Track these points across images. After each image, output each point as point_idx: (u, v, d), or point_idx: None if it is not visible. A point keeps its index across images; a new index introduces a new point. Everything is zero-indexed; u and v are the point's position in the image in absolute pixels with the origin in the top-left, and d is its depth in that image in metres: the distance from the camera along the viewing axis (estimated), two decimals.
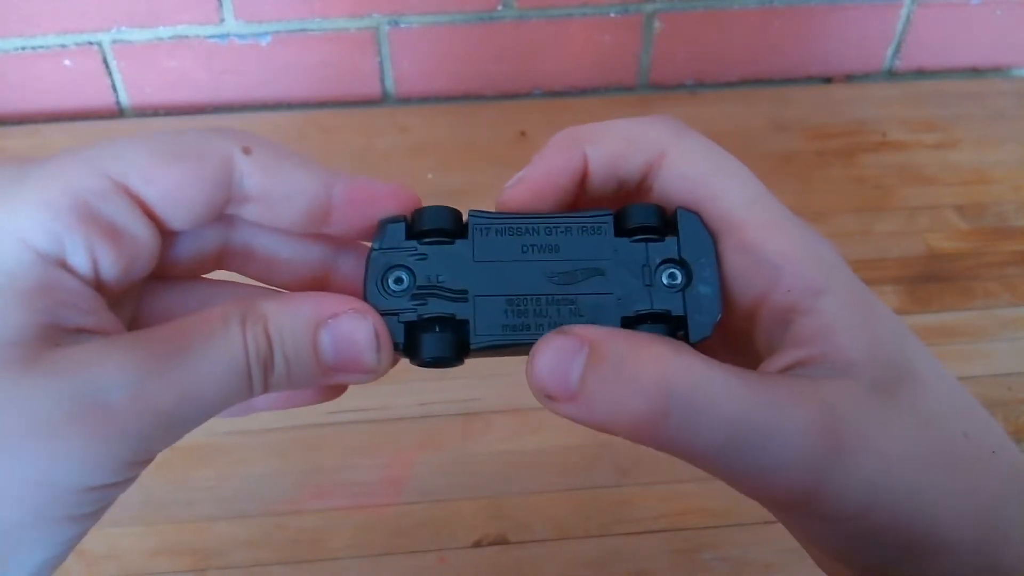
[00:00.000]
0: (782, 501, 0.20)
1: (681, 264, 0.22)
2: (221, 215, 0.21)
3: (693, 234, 0.22)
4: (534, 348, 0.20)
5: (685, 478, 0.44)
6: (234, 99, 0.71)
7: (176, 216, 0.20)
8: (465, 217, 0.23)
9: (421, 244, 0.22)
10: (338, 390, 0.23)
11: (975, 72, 0.75)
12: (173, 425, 0.18)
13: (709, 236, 0.22)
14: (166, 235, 0.21)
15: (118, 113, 0.71)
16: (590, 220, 0.22)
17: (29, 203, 0.18)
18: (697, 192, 0.22)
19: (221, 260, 0.23)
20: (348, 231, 0.22)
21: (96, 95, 0.70)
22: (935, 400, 0.20)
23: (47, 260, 0.18)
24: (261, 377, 0.19)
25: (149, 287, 0.23)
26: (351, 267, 0.24)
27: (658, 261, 0.22)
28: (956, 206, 0.61)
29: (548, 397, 0.20)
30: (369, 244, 0.22)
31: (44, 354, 0.17)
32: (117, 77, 0.69)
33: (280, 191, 0.21)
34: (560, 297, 0.22)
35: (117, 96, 0.70)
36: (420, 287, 0.22)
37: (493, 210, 0.23)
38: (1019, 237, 0.59)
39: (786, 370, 0.20)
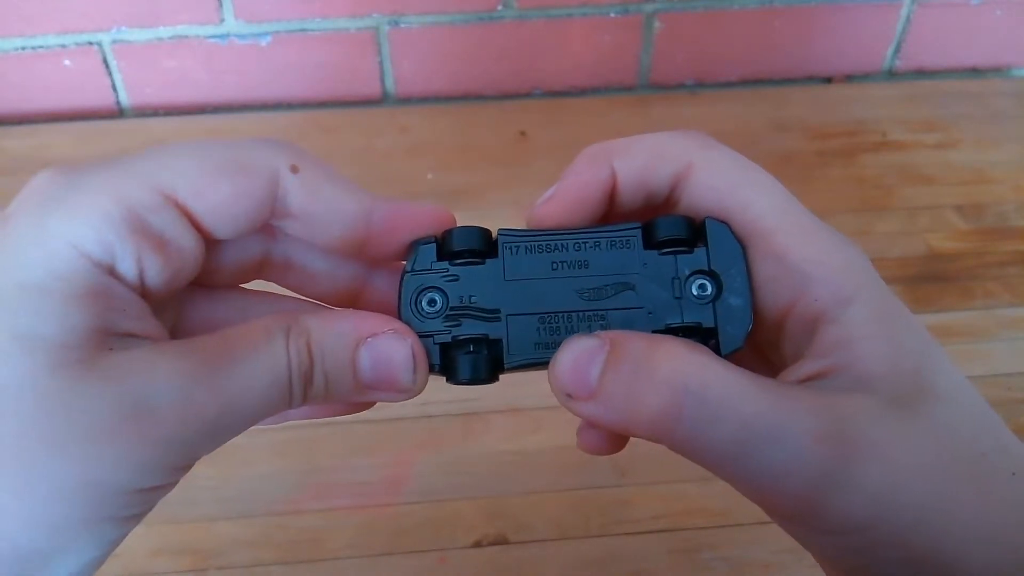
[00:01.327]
0: (788, 510, 0.20)
1: (711, 275, 0.22)
2: (264, 227, 0.22)
3: (722, 244, 0.22)
4: (558, 350, 0.21)
5: (685, 478, 0.44)
6: (234, 99, 0.71)
7: (221, 228, 0.21)
8: (495, 235, 0.23)
9: (452, 265, 0.22)
10: (367, 404, 0.24)
11: (975, 72, 0.75)
12: (216, 432, 0.19)
13: (739, 245, 0.22)
14: (210, 245, 0.22)
15: (118, 113, 0.71)
16: (618, 234, 0.22)
17: (83, 212, 0.19)
18: (725, 202, 0.22)
19: (261, 270, 0.24)
20: (386, 255, 0.23)
21: (96, 95, 0.70)
22: (954, 417, 0.20)
23: (99, 267, 0.19)
24: (301, 390, 0.20)
25: (190, 295, 0.23)
26: (385, 284, 0.24)
27: (687, 273, 0.22)
28: (956, 206, 0.61)
29: (568, 396, 0.20)
30: (404, 263, 0.23)
31: (98, 357, 0.18)
32: (117, 77, 0.69)
33: (322, 212, 0.21)
34: (591, 313, 0.22)
35: (117, 96, 0.70)
36: (453, 308, 0.22)
37: (522, 228, 0.23)
38: (1019, 237, 0.59)
39: (806, 380, 0.20)
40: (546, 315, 0.22)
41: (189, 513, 0.43)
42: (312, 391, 0.20)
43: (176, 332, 0.23)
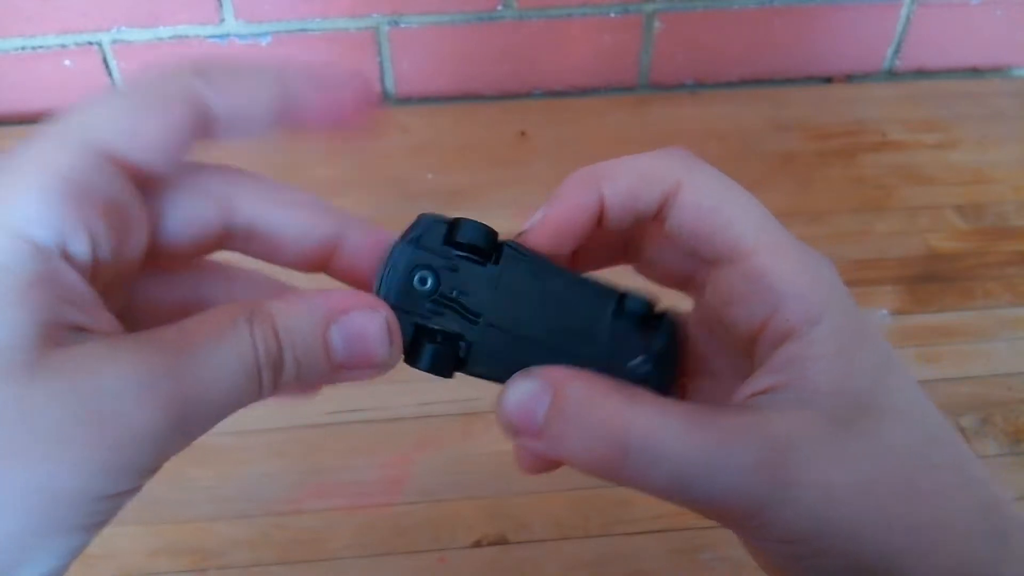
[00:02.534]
0: (734, 525, 0.21)
1: (652, 360, 0.24)
2: (221, 206, 0.22)
3: (667, 341, 0.24)
4: (504, 386, 0.22)
5: None
6: None
7: (157, 165, 0.20)
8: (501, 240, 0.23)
9: (456, 254, 0.22)
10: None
11: (975, 72, 0.75)
12: (185, 430, 0.18)
13: (677, 349, 0.24)
14: (160, 211, 0.21)
15: None
16: (601, 293, 0.24)
17: (19, 193, 0.18)
18: (709, 221, 0.22)
19: (223, 241, 0.23)
20: (318, 118, 0.22)
21: None
22: (901, 432, 0.20)
23: (45, 252, 0.18)
24: (271, 378, 0.19)
25: (141, 279, 0.22)
26: (357, 242, 0.23)
27: (638, 351, 0.24)
28: (956, 206, 0.61)
29: (515, 432, 0.21)
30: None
31: (47, 355, 0.17)
32: (117, 77, 0.69)
33: (241, 103, 0.21)
34: (557, 350, 0.23)
35: None
36: (442, 295, 0.22)
37: (527, 248, 0.23)
38: (1019, 237, 0.59)
39: (759, 393, 0.21)
40: (519, 337, 0.23)
41: (188, 513, 0.43)
42: (283, 377, 0.19)
43: (127, 320, 0.21)
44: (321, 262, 0.23)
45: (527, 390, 0.21)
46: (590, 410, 0.20)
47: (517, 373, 0.22)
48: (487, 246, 0.23)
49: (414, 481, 0.44)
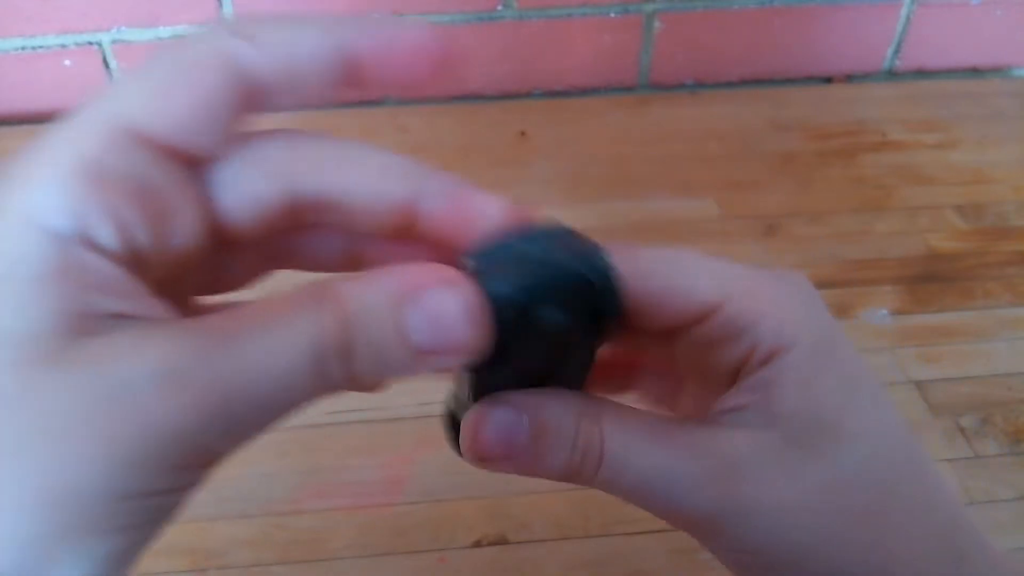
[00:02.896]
0: (693, 532, 0.22)
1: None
2: (280, 178, 0.19)
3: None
4: (472, 420, 0.21)
5: None
6: None
7: (195, 142, 0.18)
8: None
9: (571, 324, 0.20)
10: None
11: (975, 72, 0.75)
12: (229, 423, 0.16)
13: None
14: (210, 191, 0.19)
15: None
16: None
17: (37, 179, 0.16)
18: (666, 285, 0.21)
19: (296, 215, 0.20)
20: (373, 70, 0.19)
21: None
22: (860, 456, 0.21)
23: (66, 240, 0.16)
24: (341, 367, 0.17)
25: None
26: (434, 207, 0.21)
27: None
28: (956, 206, 0.61)
29: (489, 460, 0.21)
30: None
31: (71, 345, 0.15)
32: (117, 77, 0.69)
33: (290, 64, 0.18)
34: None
35: None
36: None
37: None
38: (1019, 237, 0.59)
39: (728, 411, 0.22)
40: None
41: (188, 513, 0.42)
42: (358, 366, 0.17)
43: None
44: (403, 229, 0.21)
45: (504, 420, 0.21)
46: (567, 431, 0.21)
47: (483, 402, 0.21)
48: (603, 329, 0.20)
49: (414, 481, 0.44)
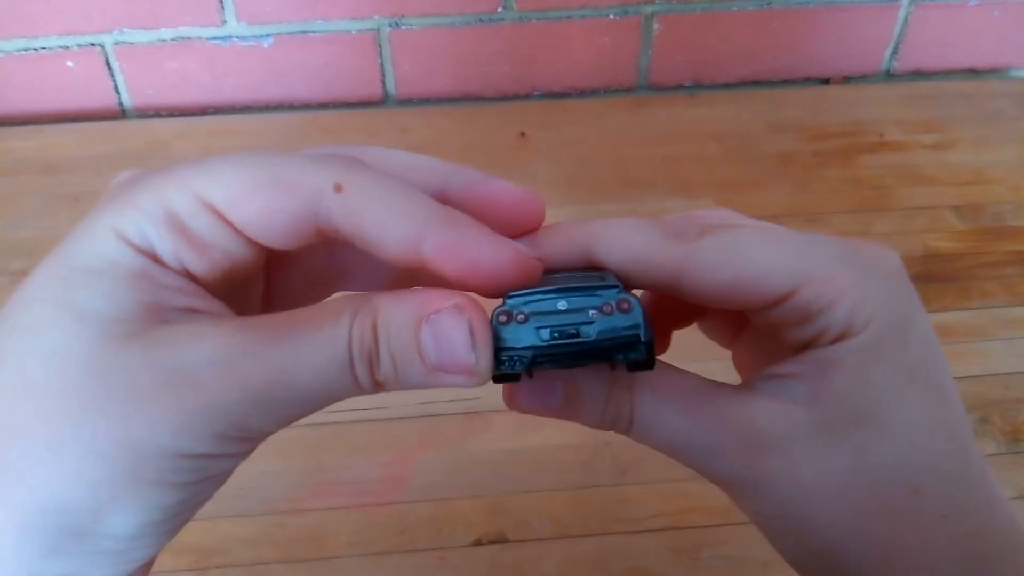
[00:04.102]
0: (720, 487, 0.23)
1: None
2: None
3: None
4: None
5: (685, 477, 0.43)
6: (235, 100, 0.71)
7: (265, 239, 0.20)
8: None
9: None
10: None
11: (973, 73, 0.75)
12: (268, 405, 0.19)
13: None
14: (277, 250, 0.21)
15: (120, 114, 0.71)
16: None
17: (128, 208, 0.20)
18: (736, 276, 0.21)
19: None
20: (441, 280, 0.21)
21: (98, 96, 0.70)
22: (890, 451, 0.21)
23: (142, 252, 0.19)
24: (367, 372, 0.19)
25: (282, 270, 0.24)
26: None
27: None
28: (954, 207, 0.61)
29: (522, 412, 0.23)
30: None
31: (149, 329, 0.19)
32: (119, 78, 0.69)
33: (365, 237, 0.20)
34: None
35: (119, 97, 0.70)
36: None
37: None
38: (1016, 237, 0.59)
39: (777, 377, 0.22)
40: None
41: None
42: (380, 373, 0.19)
43: (287, 303, 0.23)
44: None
45: (538, 386, 0.22)
46: (598, 397, 0.22)
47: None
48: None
49: (415, 480, 0.44)
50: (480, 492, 0.44)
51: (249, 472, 0.45)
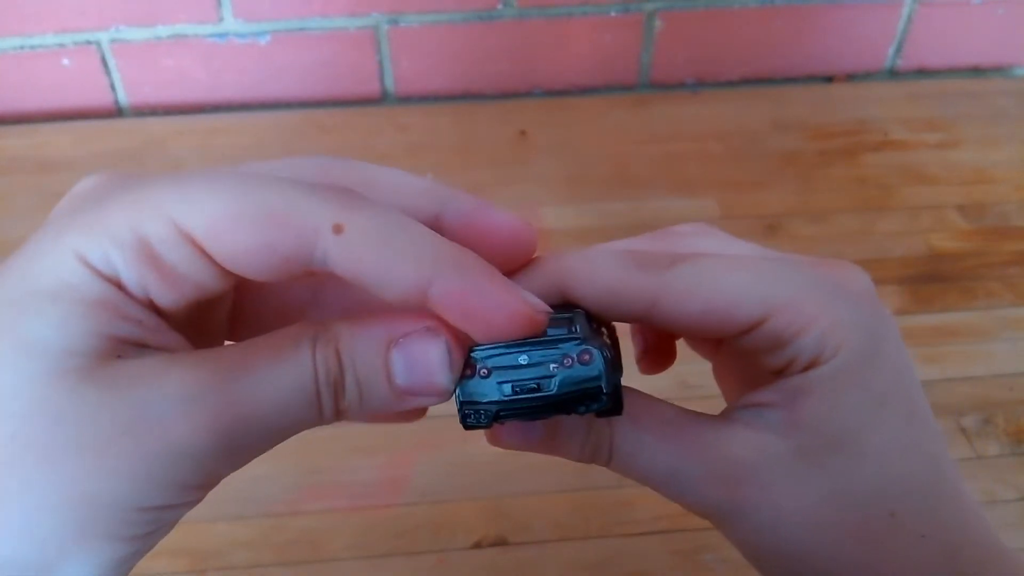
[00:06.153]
0: (701, 516, 0.23)
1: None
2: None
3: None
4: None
5: None
6: (233, 98, 0.71)
7: (245, 273, 0.19)
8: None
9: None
10: (417, 413, 0.23)
11: (977, 71, 0.75)
12: (234, 447, 0.18)
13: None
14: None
15: (116, 112, 0.71)
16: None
17: (95, 229, 0.18)
18: (706, 306, 0.21)
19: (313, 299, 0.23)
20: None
21: (94, 94, 0.70)
22: (866, 476, 0.21)
23: (105, 279, 0.18)
24: (331, 401, 0.19)
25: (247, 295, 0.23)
26: (457, 217, 0.21)
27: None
28: (958, 206, 0.61)
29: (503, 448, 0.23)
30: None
31: (104, 365, 0.17)
32: (116, 76, 0.69)
33: (365, 281, 0.18)
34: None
35: (116, 95, 0.70)
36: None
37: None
38: (1021, 237, 0.58)
39: (753, 406, 0.22)
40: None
41: (187, 514, 0.43)
42: (344, 402, 0.19)
43: (251, 331, 0.22)
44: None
45: (518, 424, 0.22)
46: (578, 430, 0.22)
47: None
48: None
49: (414, 482, 0.44)
50: (480, 494, 0.43)
51: (246, 474, 0.45)
